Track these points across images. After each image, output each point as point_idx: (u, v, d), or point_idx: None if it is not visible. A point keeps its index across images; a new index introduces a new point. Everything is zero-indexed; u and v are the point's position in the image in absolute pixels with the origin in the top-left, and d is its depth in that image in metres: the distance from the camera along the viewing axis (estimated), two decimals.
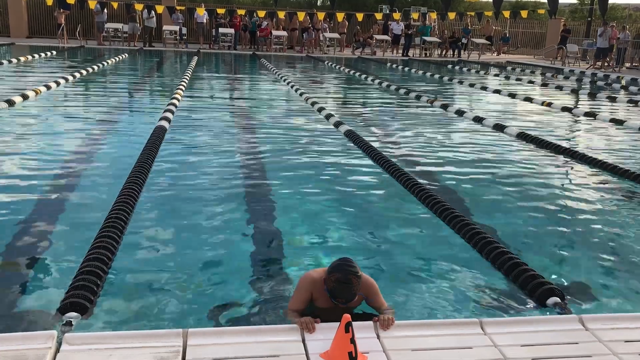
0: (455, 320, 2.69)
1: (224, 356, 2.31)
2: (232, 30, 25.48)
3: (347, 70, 18.40)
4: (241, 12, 25.62)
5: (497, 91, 13.81)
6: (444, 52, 27.76)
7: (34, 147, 6.34)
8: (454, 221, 4.11)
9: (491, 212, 4.69)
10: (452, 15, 24.87)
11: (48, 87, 10.97)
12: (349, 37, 28.36)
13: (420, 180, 5.20)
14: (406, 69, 20.14)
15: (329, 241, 3.85)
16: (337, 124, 7.98)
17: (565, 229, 4.32)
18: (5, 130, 7.14)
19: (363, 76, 16.47)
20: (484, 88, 14.47)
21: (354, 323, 2.28)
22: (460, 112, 10.03)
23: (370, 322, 2.56)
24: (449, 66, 22.15)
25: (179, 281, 3.14)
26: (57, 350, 2.29)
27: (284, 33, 26.43)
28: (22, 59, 16.88)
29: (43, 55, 18.59)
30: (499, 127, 8.57)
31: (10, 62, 16.12)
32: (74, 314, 2.63)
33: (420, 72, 18.95)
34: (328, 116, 8.62)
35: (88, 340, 2.37)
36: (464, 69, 20.54)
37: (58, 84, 11.69)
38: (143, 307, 2.84)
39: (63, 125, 7.79)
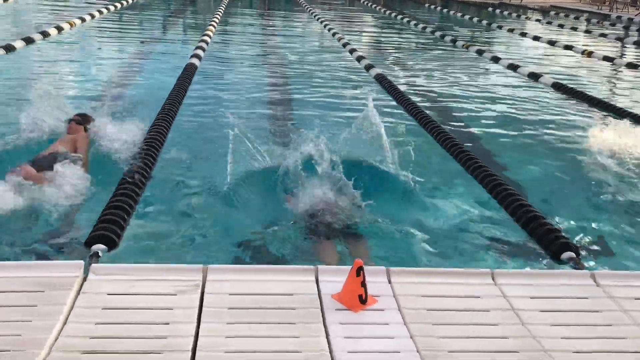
0: (467, 270, 2.74)
1: (240, 292, 2.42)
2: None
3: (384, 10, 17.90)
4: None
5: (536, 38, 13.33)
6: None
7: (67, 79, 6.45)
8: (476, 171, 4.10)
9: (517, 164, 4.65)
10: None
11: (83, 20, 11.06)
12: None
13: (446, 128, 5.15)
14: (444, 10, 19.53)
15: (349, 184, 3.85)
16: (368, 67, 7.83)
17: (591, 187, 4.26)
18: (38, 61, 7.27)
19: (399, 17, 16.04)
20: (523, 34, 13.98)
21: (365, 267, 2.35)
22: (495, 59, 9.77)
23: (382, 267, 2.63)
24: (490, 9, 21.37)
25: (202, 219, 3.24)
26: (85, 279, 2.42)
27: None
28: None
29: None
30: (534, 76, 8.34)
31: None
32: (101, 246, 2.77)
33: (459, 14, 18.34)
34: (359, 58, 8.45)
35: (113, 271, 2.50)
36: (505, 12, 19.80)
37: (93, 16, 11.76)
38: (167, 242, 2.96)
39: (95, 57, 7.89)
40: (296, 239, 3.09)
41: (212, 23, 11.50)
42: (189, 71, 6.78)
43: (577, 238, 3.39)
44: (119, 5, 14.01)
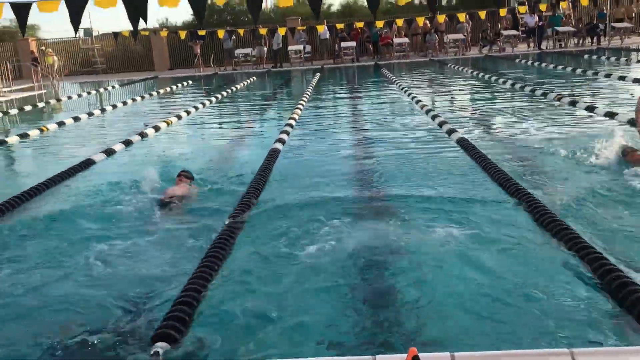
0: (542, 351, 2.49)
1: None
2: (353, 43, 25.84)
3: (472, 71, 17.83)
4: (359, 24, 25.89)
5: (637, 80, 12.55)
6: (580, 41, 25.86)
7: (166, 166, 6.99)
8: (560, 233, 3.79)
9: (613, 230, 4.24)
10: (584, 1, 23.08)
11: (188, 113, 12.18)
12: (474, 36, 27.49)
13: (533, 193, 4.86)
14: (536, 63, 19.06)
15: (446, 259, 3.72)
16: (462, 143, 7.16)
17: None
18: (145, 151, 8.20)
19: (487, 76, 15.84)
20: (622, 78, 13.22)
21: (425, 355, 2.20)
22: (590, 108, 9.26)
23: (447, 354, 2.45)
24: (586, 56, 20.59)
25: (278, 315, 3.17)
26: None
27: (405, 39, 26.26)
28: (162, 90, 18.47)
29: (180, 85, 20.19)
30: (632, 124, 7.76)
31: (158, 93, 17.96)
32: (162, 344, 2.81)
33: (551, 65, 17.80)
34: (450, 132, 7.91)
35: None
36: (602, 58, 18.96)
37: (197, 108, 12.84)
38: (230, 341, 2.95)
39: (196, 142, 8.51)
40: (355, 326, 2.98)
41: (300, 103, 12.00)
42: (272, 155, 7.01)
43: None
44: (219, 96, 15.19)
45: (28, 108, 15.90)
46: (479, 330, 2.86)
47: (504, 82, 14.09)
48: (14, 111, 15.30)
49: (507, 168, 5.76)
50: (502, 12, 23.91)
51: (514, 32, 26.32)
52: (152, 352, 2.74)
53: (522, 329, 2.82)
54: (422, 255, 3.83)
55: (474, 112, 10.91)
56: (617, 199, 4.77)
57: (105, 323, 3.16)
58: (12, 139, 9.99)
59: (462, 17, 24.99)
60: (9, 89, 20.75)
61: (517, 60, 20.69)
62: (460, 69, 19.30)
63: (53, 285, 3.75)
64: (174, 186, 5.66)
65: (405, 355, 2.27)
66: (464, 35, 26.16)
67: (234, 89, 17.49)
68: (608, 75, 13.91)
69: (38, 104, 16.95)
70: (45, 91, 21.62)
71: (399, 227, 4.43)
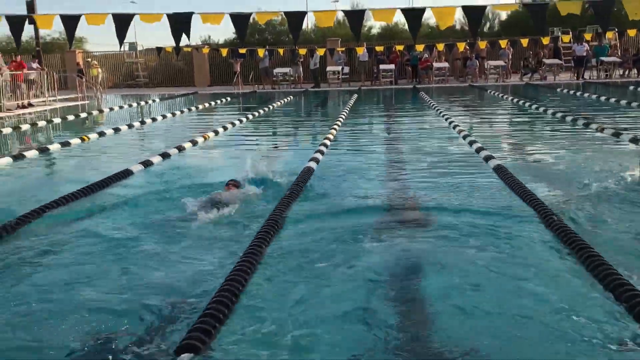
0: None
1: None
2: (392, 66, 25.87)
3: (512, 98, 17.63)
4: (399, 47, 25.93)
5: None
6: (626, 72, 25.38)
7: (201, 179, 7.10)
8: (607, 279, 3.60)
9: None
10: (632, 32, 22.66)
11: (225, 128, 12.32)
12: (515, 63, 27.24)
13: (572, 227, 4.69)
14: (578, 93, 18.73)
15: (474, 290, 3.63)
16: (498, 170, 6.94)
17: None
18: (181, 164, 8.37)
19: (527, 104, 15.62)
20: None
21: None
22: (635, 140, 9.00)
23: None
24: (631, 87, 20.15)
25: (301, 334, 3.12)
26: None
27: (445, 64, 26.18)
28: (200, 106, 18.77)
29: (219, 102, 20.50)
30: None
31: (197, 108, 18.28)
32: (187, 354, 2.79)
33: (594, 96, 17.46)
34: (487, 158, 7.70)
35: None
36: None
37: (234, 125, 12.99)
38: (252, 351, 2.92)
39: (228, 161, 8.57)
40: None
41: (336, 124, 12.01)
42: (306, 174, 7.00)
43: None
44: (256, 113, 15.36)
45: (71, 117, 16.34)
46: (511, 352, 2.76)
47: (545, 111, 13.86)
48: (57, 120, 15.74)
49: (545, 199, 5.60)
50: (545, 40, 23.65)
51: (556, 60, 25.99)
52: None
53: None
54: (455, 277, 3.74)
55: (512, 139, 10.75)
56: None
57: (132, 329, 3.16)
58: (54, 147, 10.25)
59: (503, 43, 24.82)
60: (54, 98, 21.38)
61: (559, 90, 20.37)
62: (500, 95, 19.10)
63: (83, 289, 3.77)
64: (223, 192, 5.93)
65: None
66: (505, 62, 25.94)
67: (271, 107, 17.66)
68: None
69: (81, 114, 17.42)
70: (88, 102, 22.23)
71: (431, 248, 4.37)
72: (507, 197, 5.85)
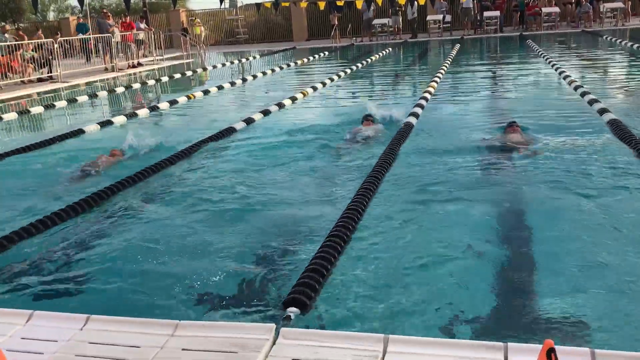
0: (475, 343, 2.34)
1: None
2: (497, 13, 24.55)
3: (632, 44, 16.11)
4: None
5: None
6: None
7: (293, 135, 7.34)
8: None
9: None
10: None
11: (324, 84, 12.35)
12: (636, 3, 24.91)
13: None
14: None
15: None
16: (613, 124, 6.53)
17: None
18: (281, 120, 8.65)
19: None
20: None
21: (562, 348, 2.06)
22: None
23: (587, 349, 2.27)
24: None
25: (392, 285, 3.20)
26: (274, 342, 2.56)
27: (556, 9, 24.45)
28: (299, 62, 18.88)
29: (317, 56, 20.49)
30: None
31: (295, 64, 18.41)
32: (294, 309, 2.91)
33: None
34: (602, 111, 7.18)
35: (300, 336, 2.59)
36: None
37: (332, 80, 12.97)
38: (354, 308, 2.99)
39: (326, 117, 8.63)
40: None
41: (437, 76, 11.68)
42: (406, 130, 6.91)
43: None
44: (354, 67, 15.26)
45: (177, 76, 17.05)
46: (618, 329, 2.63)
47: None
48: (165, 79, 16.49)
49: None
50: None
51: None
52: (284, 316, 2.84)
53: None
54: (568, 243, 3.60)
55: (629, 91, 9.92)
56: None
57: (243, 277, 3.37)
58: (164, 105, 10.79)
59: None
60: (161, 57, 22.35)
61: None
62: (617, 41, 17.60)
63: (193, 235, 4.06)
64: (362, 127, 7.01)
65: (540, 346, 2.13)
66: (624, 4, 23.72)
67: (370, 60, 17.42)
68: None
69: (186, 72, 18.12)
70: (192, 60, 23.04)
71: (539, 212, 4.22)
72: (621, 155, 5.46)
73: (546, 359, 2.04)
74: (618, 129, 6.25)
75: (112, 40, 18.88)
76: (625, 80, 11.51)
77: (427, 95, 9.44)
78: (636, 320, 2.73)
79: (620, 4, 23.66)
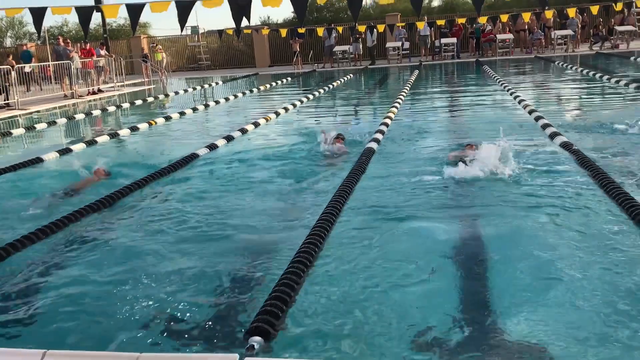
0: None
1: None
2: (453, 40, 25.25)
3: (581, 69, 16.84)
4: (461, 20, 25.22)
5: None
6: None
7: (264, 161, 7.32)
8: None
9: None
10: None
11: (286, 110, 12.41)
12: (584, 32, 25.99)
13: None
14: None
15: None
16: (566, 147, 6.74)
17: None
18: (244, 145, 8.56)
19: (598, 75, 14.92)
20: None
21: None
22: None
23: None
24: None
25: (357, 309, 3.21)
26: None
27: (510, 36, 25.32)
28: (262, 87, 18.97)
29: (280, 82, 20.64)
30: None
31: (258, 89, 18.48)
32: (257, 338, 2.89)
33: None
34: (553, 135, 7.42)
35: None
36: None
37: (295, 105, 13.06)
38: (319, 333, 2.99)
39: (290, 142, 8.66)
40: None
41: (397, 102, 11.89)
42: (367, 155, 7.00)
43: None
44: (317, 93, 15.41)
45: (138, 102, 16.91)
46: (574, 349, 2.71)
47: (617, 82, 13.20)
48: (126, 105, 16.33)
49: (618, 178, 5.38)
50: (619, 6, 22.38)
51: (629, 27, 24.60)
52: (248, 346, 2.82)
53: None
54: (526, 262, 3.70)
55: (580, 114, 10.30)
56: None
57: (206, 300, 3.33)
58: (124, 132, 10.67)
59: (571, 12, 23.67)
60: (122, 83, 22.15)
61: (632, 58, 19.31)
62: (568, 66, 18.31)
63: (155, 263, 4.00)
64: (332, 144, 7.46)
65: None
66: (574, 31, 24.74)
67: (332, 85, 17.64)
68: None
69: (148, 98, 17.99)
70: (154, 86, 22.90)
71: (490, 227, 4.36)
72: (573, 175, 5.66)
73: None
74: (569, 150, 6.49)
75: (72, 66, 18.64)
76: (575, 103, 11.96)
77: (387, 120, 9.60)
78: (594, 343, 2.80)
79: (570, 32, 24.65)
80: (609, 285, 3.32)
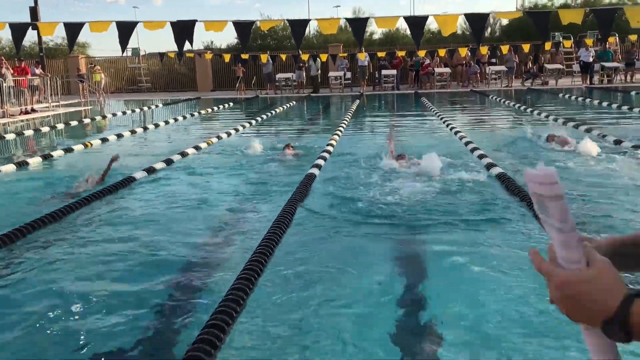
0: None
1: None
2: (393, 71, 25.94)
3: (513, 104, 17.63)
4: (401, 53, 25.99)
5: None
6: (629, 77, 25.42)
7: (203, 186, 7.19)
8: None
9: None
10: (633, 38, 22.70)
11: (229, 135, 12.30)
12: (516, 68, 27.28)
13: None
14: (580, 98, 18.77)
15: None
16: (500, 177, 7.00)
17: None
18: (186, 172, 8.35)
19: (529, 109, 15.66)
20: None
21: None
22: (617, 141, 9.11)
23: None
24: (633, 92, 20.17)
25: (298, 334, 3.20)
26: None
27: (447, 69, 26.24)
28: (203, 111, 18.82)
29: (222, 107, 20.55)
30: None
31: (199, 113, 18.31)
32: None
33: (596, 101, 17.48)
34: (489, 166, 7.67)
35: None
36: None
37: (237, 130, 12.98)
38: None
39: (231, 166, 8.57)
40: None
41: (339, 129, 12.04)
42: (308, 180, 7.03)
43: None
44: (259, 119, 15.41)
45: (74, 123, 16.40)
46: None
47: (547, 117, 13.88)
48: (60, 126, 15.80)
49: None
50: (547, 45, 23.67)
51: (557, 65, 26.02)
52: None
53: None
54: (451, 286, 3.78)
55: (511, 144, 10.72)
56: None
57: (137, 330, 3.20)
58: (58, 153, 10.30)
59: (505, 49, 24.84)
60: (57, 104, 21.46)
61: (560, 95, 20.40)
62: (501, 100, 19.13)
63: (91, 293, 3.82)
64: (284, 152, 8.89)
65: None
66: (511, 67, 25.86)
67: (275, 112, 17.70)
68: None
69: (84, 119, 17.48)
70: (91, 107, 22.30)
71: (428, 257, 4.45)
72: (507, 204, 5.88)
73: None
74: (503, 180, 6.75)
75: (3, 84, 17.92)
76: (508, 135, 12.46)
77: (329, 148, 9.70)
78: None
79: (503, 68, 25.82)
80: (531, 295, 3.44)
